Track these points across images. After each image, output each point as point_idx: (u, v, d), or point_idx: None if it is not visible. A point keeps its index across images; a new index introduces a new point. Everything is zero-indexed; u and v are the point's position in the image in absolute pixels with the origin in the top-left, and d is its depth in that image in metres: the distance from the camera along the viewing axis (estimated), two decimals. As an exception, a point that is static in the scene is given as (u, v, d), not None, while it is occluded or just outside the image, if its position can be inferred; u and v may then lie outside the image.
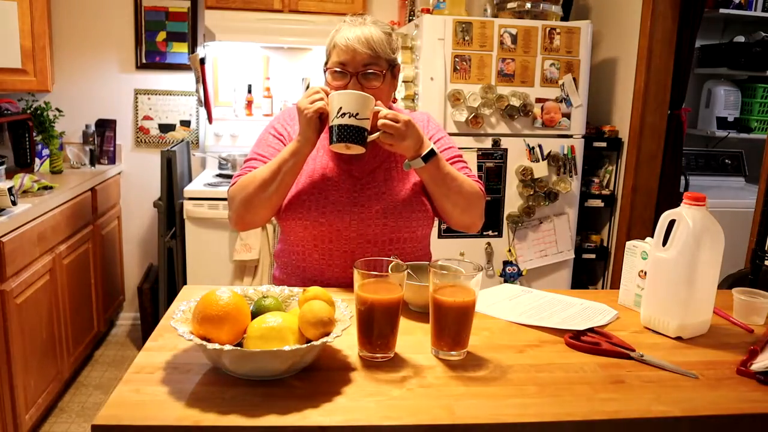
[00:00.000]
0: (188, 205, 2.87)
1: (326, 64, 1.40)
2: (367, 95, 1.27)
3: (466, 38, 2.66)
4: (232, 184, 1.40)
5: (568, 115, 2.81)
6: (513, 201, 2.84)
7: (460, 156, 1.49)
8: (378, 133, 1.27)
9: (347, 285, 1.37)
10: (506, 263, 2.88)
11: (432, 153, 1.31)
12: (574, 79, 2.77)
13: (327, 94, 1.30)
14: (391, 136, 1.26)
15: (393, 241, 1.39)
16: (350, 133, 1.25)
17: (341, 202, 1.38)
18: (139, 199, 3.49)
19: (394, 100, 1.49)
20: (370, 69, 1.34)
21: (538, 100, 2.77)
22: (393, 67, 1.41)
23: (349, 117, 1.24)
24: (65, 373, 2.62)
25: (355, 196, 1.39)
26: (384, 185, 1.41)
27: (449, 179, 1.36)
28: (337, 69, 1.35)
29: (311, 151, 1.34)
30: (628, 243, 1.34)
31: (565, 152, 2.82)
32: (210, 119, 3.32)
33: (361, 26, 1.36)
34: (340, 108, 1.25)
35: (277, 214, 1.42)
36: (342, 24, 1.39)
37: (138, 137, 3.44)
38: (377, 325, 1.00)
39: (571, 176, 2.84)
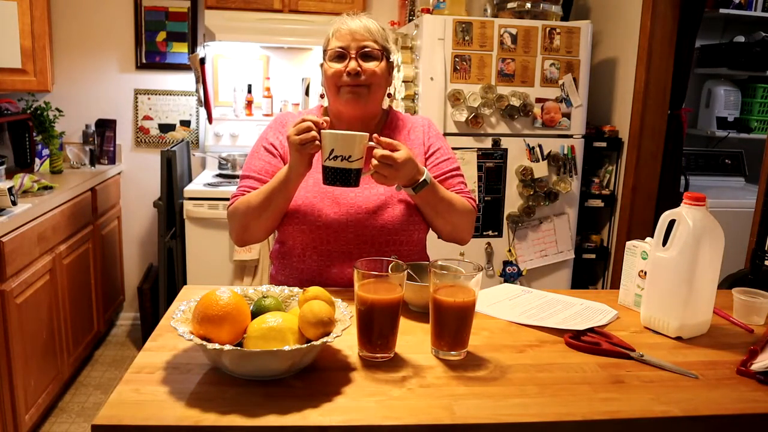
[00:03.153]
0: (188, 205, 2.87)
1: (324, 54, 1.42)
2: (359, 134, 1.22)
3: (466, 38, 2.66)
4: (230, 204, 1.42)
5: (568, 115, 2.81)
6: (513, 201, 2.84)
7: (458, 168, 1.50)
8: (371, 171, 1.25)
9: (345, 285, 1.38)
10: (506, 263, 2.88)
11: (424, 184, 1.31)
12: (574, 79, 2.77)
13: (316, 125, 1.25)
14: (384, 177, 1.25)
15: (390, 243, 1.41)
16: (342, 177, 1.23)
17: (338, 205, 1.39)
18: (139, 199, 3.49)
19: (390, 95, 1.50)
20: (368, 49, 1.37)
21: (538, 100, 2.77)
22: (389, 59, 1.43)
23: (342, 160, 1.21)
24: (65, 373, 2.62)
25: (352, 197, 1.40)
26: (381, 187, 1.42)
27: (441, 204, 1.38)
28: (338, 49, 1.37)
29: (302, 180, 1.33)
30: (628, 243, 1.34)
31: (565, 152, 2.82)
32: (210, 119, 3.32)
33: (358, 18, 1.41)
34: (332, 150, 1.21)
35: None
36: (338, 20, 1.43)
37: (138, 137, 3.44)
38: (377, 325, 1.00)
39: (571, 176, 2.84)
